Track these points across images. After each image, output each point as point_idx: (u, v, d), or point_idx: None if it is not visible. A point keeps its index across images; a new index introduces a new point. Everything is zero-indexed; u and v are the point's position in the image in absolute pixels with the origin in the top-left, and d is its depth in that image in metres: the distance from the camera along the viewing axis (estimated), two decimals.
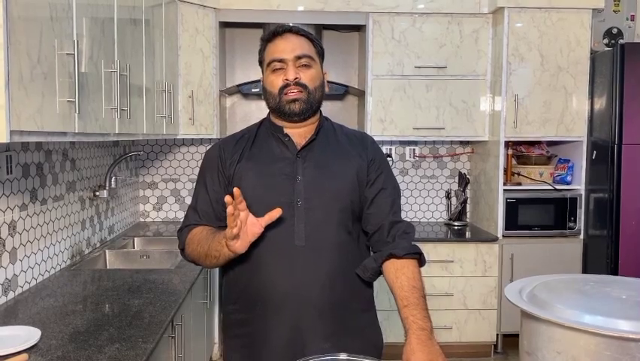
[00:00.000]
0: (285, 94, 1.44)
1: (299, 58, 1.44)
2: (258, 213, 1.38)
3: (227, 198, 1.27)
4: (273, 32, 1.48)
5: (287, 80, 1.43)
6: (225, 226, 1.36)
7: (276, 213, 1.32)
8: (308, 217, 1.42)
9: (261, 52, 1.51)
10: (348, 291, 1.47)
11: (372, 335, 1.54)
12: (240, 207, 1.29)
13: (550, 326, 1.04)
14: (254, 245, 1.37)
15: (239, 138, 1.55)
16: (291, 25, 1.50)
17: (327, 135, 1.53)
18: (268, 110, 1.55)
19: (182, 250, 1.55)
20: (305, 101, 1.45)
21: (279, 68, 1.45)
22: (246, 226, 1.32)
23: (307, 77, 1.45)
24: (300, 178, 1.44)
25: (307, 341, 1.42)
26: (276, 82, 1.45)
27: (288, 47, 1.44)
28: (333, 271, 1.43)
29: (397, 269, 1.40)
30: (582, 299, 1.09)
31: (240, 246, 1.32)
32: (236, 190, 1.28)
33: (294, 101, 1.44)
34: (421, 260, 1.44)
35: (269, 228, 1.36)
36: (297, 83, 1.44)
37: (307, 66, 1.46)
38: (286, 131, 1.50)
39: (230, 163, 1.49)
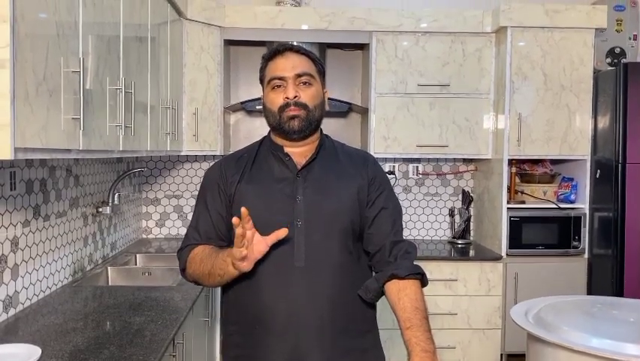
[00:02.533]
0: (285, 112, 1.44)
1: (299, 76, 1.45)
2: (259, 233, 1.38)
3: (235, 220, 1.26)
4: (274, 51, 1.49)
5: (287, 98, 1.44)
6: (227, 245, 1.36)
7: (282, 233, 1.32)
8: (308, 238, 1.41)
9: (262, 70, 1.52)
10: (350, 312, 1.45)
11: (374, 356, 1.52)
12: (247, 227, 1.28)
13: (556, 349, 1.03)
14: (254, 265, 1.36)
15: (239, 157, 1.55)
16: (292, 43, 1.51)
17: (327, 154, 1.52)
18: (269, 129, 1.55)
19: (183, 270, 1.54)
20: (304, 119, 1.45)
21: (279, 86, 1.45)
22: (252, 244, 1.31)
23: (307, 95, 1.45)
24: (300, 198, 1.43)
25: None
26: (276, 100, 1.46)
27: (288, 65, 1.45)
28: (333, 292, 1.42)
29: (400, 290, 1.39)
30: (589, 322, 1.08)
31: (247, 265, 1.32)
32: (244, 210, 1.27)
33: (293, 118, 1.44)
34: (423, 280, 1.43)
35: (271, 249, 1.36)
36: (297, 102, 1.44)
37: (307, 84, 1.46)
38: (286, 150, 1.49)
39: (231, 183, 1.49)
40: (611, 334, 1.04)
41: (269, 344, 1.41)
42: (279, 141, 1.51)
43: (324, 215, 1.44)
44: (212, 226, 1.51)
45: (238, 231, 1.27)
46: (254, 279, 1.41)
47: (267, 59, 1.50)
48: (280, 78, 1.45)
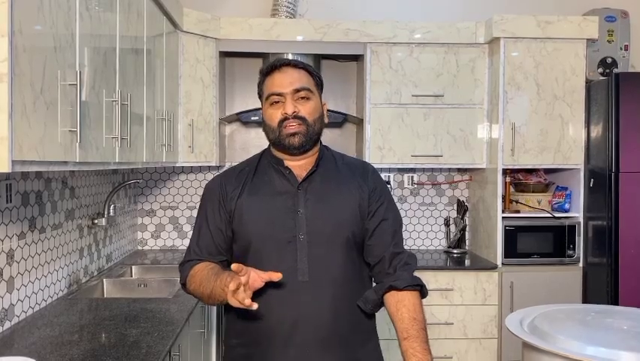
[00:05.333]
0: (285, 127, 1.44)
1: (297, 91, 1.45)
2: (260, 247, 1.39)
3: (235, 267, 1.26)
4: (271, 66, 1.49)
5: (285, 113, 1.44)
6: (226, 261, 1.36)
7: (276, 277, 1.31)
8: (310, 252, 1.42)
9: (260, 85, 1.52)
10: (353, 324, 1.46)
11: None
12: (242, 280, 1.27)
13: (552, 358, 1.04)
14: None
15: (239, 171, 1.55)
16: (289, 57, 1.52)
17: (327, 166, 1.53)
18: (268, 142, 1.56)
19: (184, 284, 1.54)
20: (304, 134, 1.45)
21: (278, 102, 1.45)
22: (248, 284, 1.30)
23: (306, 110, 1.46)
24: (301, 212, 1.44)
25: None
26: (274, 116, 1.46)
27: (286, 81, 1.45)
28: (337, 305, 1.43)
29: (398, 301, 1.40)
30: (584, 330, 1.09)
31: (245, 304, 1.29)
32: (234, 267, 1.27)
33: (293, 134, 1.44)
34: (422, 291, 1.44)
35: (273, 264, 1.36)
36: (296, 117, 1.44)
37: (306, 99, 1.46)
38: (287, 163, 1.50)
39: (231, 197, 1.49)
40: (606, 342, 1.05)
41: (274, 356, 1.41)
42: (279, 154, 1.52)
43: (326, 228, 1.44)
44: (212, 242, 1.51)
45: (231, 286, 1.25)
46: (259, 293, 1.41)
47: (265, 74, 1.50)
48: (278, 94, 1.45)
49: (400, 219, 1.56)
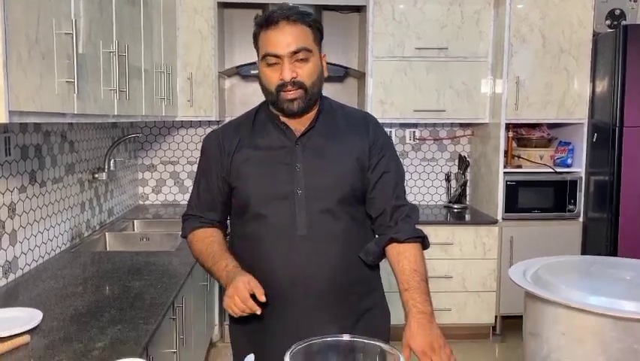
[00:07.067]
0: (283, 91, 1.38)
1: (295, 52, 1.36)
2: (259, 202, 1.40)
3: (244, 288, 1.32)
4: (266, 19, 1.38)
5: (283, 79, 1.37)
6: (226, 218, 1.37)
7: (260, 297, 1.33)
8: (309, 206, 1.40)
9: (255, 36, 1.43)
10: (353, 276, 1.46)
11: (380, 314, 1.54)
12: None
13: (555, 307, 1.05)
14: (258, 236, 1.40)
15: (237, 126, 1.52)
16: (287, 9, 1.41)
17: (327, 119, 1.49)
18: None
19: (185, 238, 1.57)
20: (303, 99, 1.39)
21: (275, 63, 1.37)
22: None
23: (305, 73, 1.38)
24: (299, 166, 1.42)
25: (314, 326, 1.41)
26: (272, 78, 1.38)
27: (283, 41, 1.35)
28: (336, 258, 1.43)
29: (399, 253, 1.40)
30: (587, 280, 1.10)
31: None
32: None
33: (292, 100, 1.38)
34: (424, 243, 1.44)
35: (272, 218, 1.37)
36: (295, 82, 1.37)
37: (304, 60, 1.38)
38: (283, 119, 1.46)
39: (228, 152, 1.46)
40: (608, 292, 1.05)
41: (275, 309, 1.42)
42: (276, 112, 1.48)
43: (324, 182, 1.42)
44: (211, 197, 1.51)
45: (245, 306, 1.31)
46: (259, 249, 1.42)
47: (260, 26, 1.41)
48: (275, 55, 1.37)
49: (402, 171, 1.54)
